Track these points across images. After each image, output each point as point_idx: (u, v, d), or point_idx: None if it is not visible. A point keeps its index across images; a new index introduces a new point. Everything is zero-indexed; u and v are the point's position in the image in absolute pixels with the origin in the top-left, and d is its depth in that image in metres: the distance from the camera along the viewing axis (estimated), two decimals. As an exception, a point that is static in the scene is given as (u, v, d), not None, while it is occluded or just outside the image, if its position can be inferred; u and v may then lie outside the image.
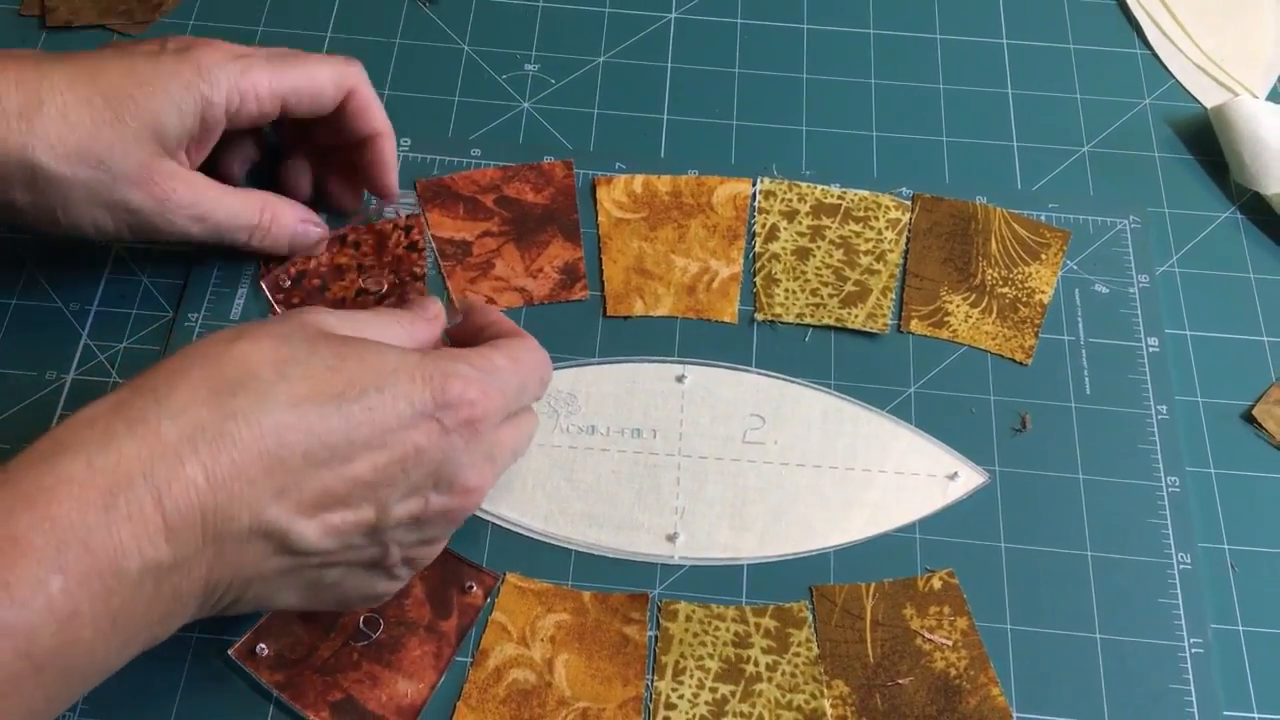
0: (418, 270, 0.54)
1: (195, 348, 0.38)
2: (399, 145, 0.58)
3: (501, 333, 0.45)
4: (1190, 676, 0.46)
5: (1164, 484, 0.50)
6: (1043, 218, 0.57)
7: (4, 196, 0.45)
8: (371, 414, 0.37)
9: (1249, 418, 0.51)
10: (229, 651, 0.45)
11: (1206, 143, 0.59)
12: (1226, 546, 0.49)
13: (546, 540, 0.48)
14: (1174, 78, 0.62)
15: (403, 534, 0.40)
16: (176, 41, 0.48)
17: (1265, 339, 0.54)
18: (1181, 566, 0.48)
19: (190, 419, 0.35)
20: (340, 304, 0.53)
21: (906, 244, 0.56)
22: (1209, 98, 0.61)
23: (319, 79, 0.49)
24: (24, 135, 0.43)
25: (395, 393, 0.38)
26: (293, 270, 0.53)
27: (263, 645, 0.45)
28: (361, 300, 0.53)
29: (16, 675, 0.32)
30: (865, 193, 0.57)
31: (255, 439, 0.36)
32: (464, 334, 0.46)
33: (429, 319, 0.45)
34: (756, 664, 0.46)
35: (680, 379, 0.52)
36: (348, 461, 0.37)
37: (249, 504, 0.36)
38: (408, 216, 0.55)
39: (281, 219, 0.51)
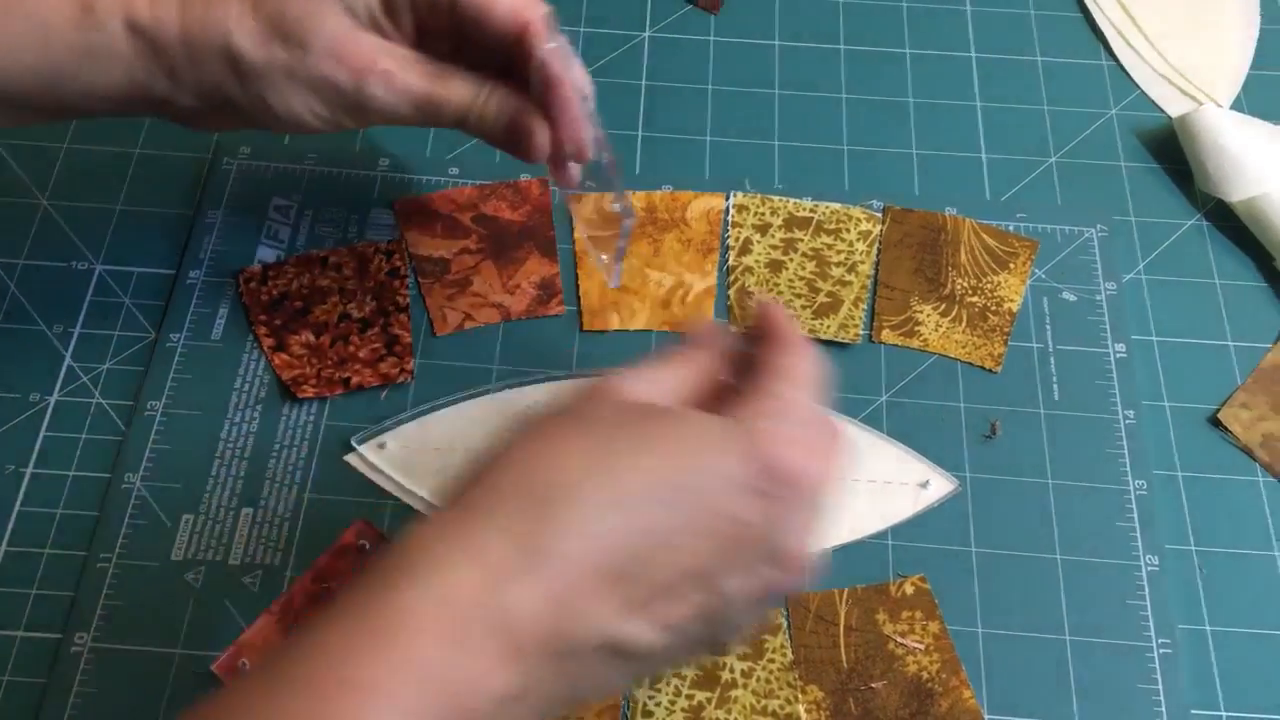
0: (400, 300, 0.54)
1: (507, 455, 0.35)
2: (377, 165, 0.59)
3: (776, 338, 0.40)
4: (1158, 676, 0.46)
5: (1131, 488, 0.50)
6: (1011, 228, 0.58)
7: (222, 89, 0.44)
8: (691, 498, 0.34)
9: (1215, 421, 0.52)
10: (211, 667, 0.45)
11: (1171, 152, 0.60)
12: (1194, 548, 0.49)
13: (525, 552, 0.49)
14: (1139, 88, 0.63)
15: (734, 612, 0.37)
16: None
17: (1230, 343, 0.55)
18: (1149, 569, 0.49)
19: (516, 536, 0.32)
20: (323, 327, 0.53)
21: (877, 255, 0.57)
22: (1174, 108, 0.62)
23: None
24: (220, 23, 0.43)
25: (714, 472, 0.35)
26: (275, 291, 0.54)
27: (245, 660, 0.45)
28: (345, 326, 0.53)
29: None
30: (837, 205, 0.58)
31: (581, 552, 0.33)
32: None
33: (709, 345, 0.41)
34: (732, 670, 0.46)
35: (656, 391, 0.53)
36: (674, 551, 0.34)
37: (587, 618, 0.33)
38: (389, 241, 0.56)
39: (498, 100, 0.46)
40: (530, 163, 0.48)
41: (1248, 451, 0.51)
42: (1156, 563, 0.49)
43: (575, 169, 0.49)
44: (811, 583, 0.39)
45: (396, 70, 0.45)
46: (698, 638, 0.37)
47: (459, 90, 0.46)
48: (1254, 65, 0.64)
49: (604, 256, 0.52)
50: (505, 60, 0.46)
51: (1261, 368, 0.53)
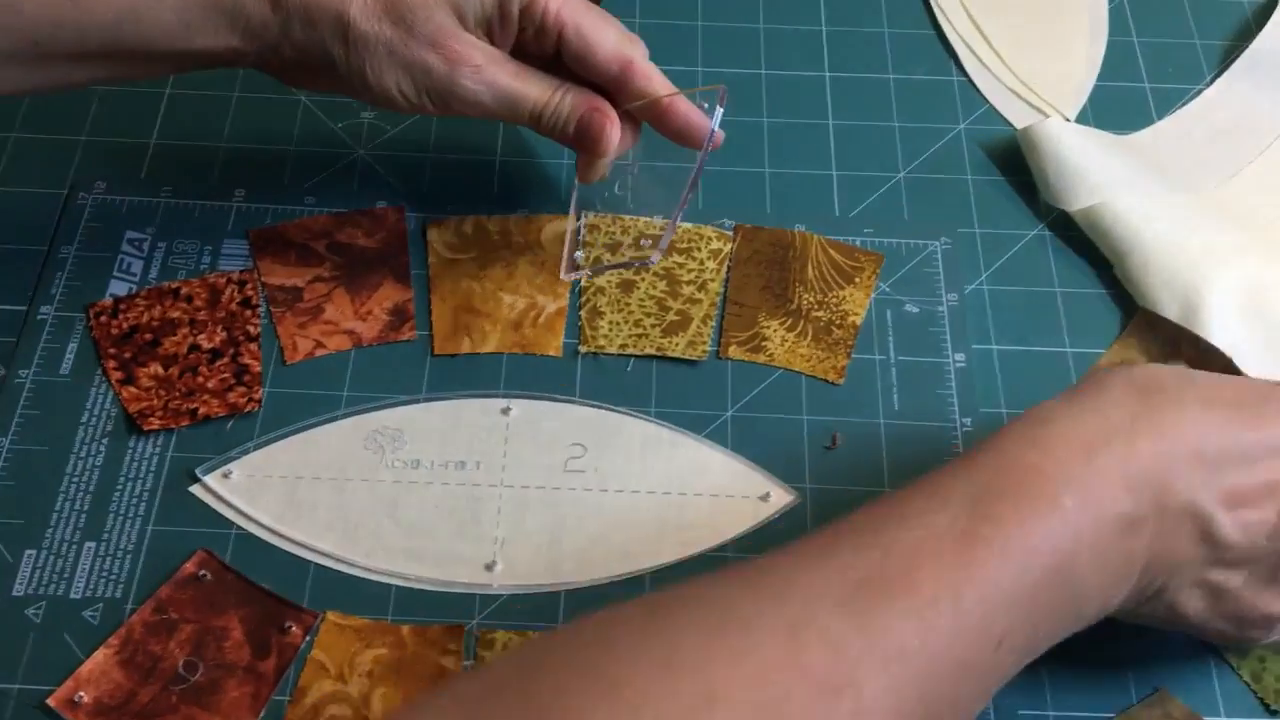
0: (251, 329, 0.55)
1: (1094, 375, 0.42)
2: (233, 195, 0.59)
3: None
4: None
5: (967, 494, 0.52)
6: (858, 243, 0.59)
7: (327, 51, 0.49)
8: (1266, 421, 0.41)
9: None
10: (48, 700, 0.45)
11: (1017, 164, 0.62)
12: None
13: (368, 577, 0.49)
14: (988, 102, 0.65)
15: None
16: None
17: (1069, 350, 0.56)
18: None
19: (1129, 409, 0.40)
20: (172, 359, 0.54)
21: (727, 273, 0.58)
22: (1022, 120, 0.64)
23: (605, 35, 0.52)
24: None
25: None
26: (125, 325, 0.55)
27: (82, 693, 0.46)
28: (194, 357, 0.54)
29: (1049, 586, 0.37)
30: (688, 225, 0.59)
31: (1179, 430, 0.39)
32: None
33: None
34: (570, 687, 0.47)
35: (505, 411, 0.53)
36: (1254, 462, 0.40)
37: (1182, 482, 0.39)
38: (242, 271, 0.57)
39: (572, 98, 0.52)
40: (598, 157, 0.53)
41: None
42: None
43: (605, 165, 0.54)
44: None
45: (485, 64, 0.50)
46: (1265, 562, 0.41)
47: (537, 89, 0.51)
48: (1101, 77, 0.66)
49: (579, 254, 0.56)
50: (601, 89, 0.53)
51: (1095, 368, 0.55)
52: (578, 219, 0.57)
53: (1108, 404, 0.40)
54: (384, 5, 0.49)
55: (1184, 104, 0.65)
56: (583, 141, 0.52)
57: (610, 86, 0.53)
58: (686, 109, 0.53)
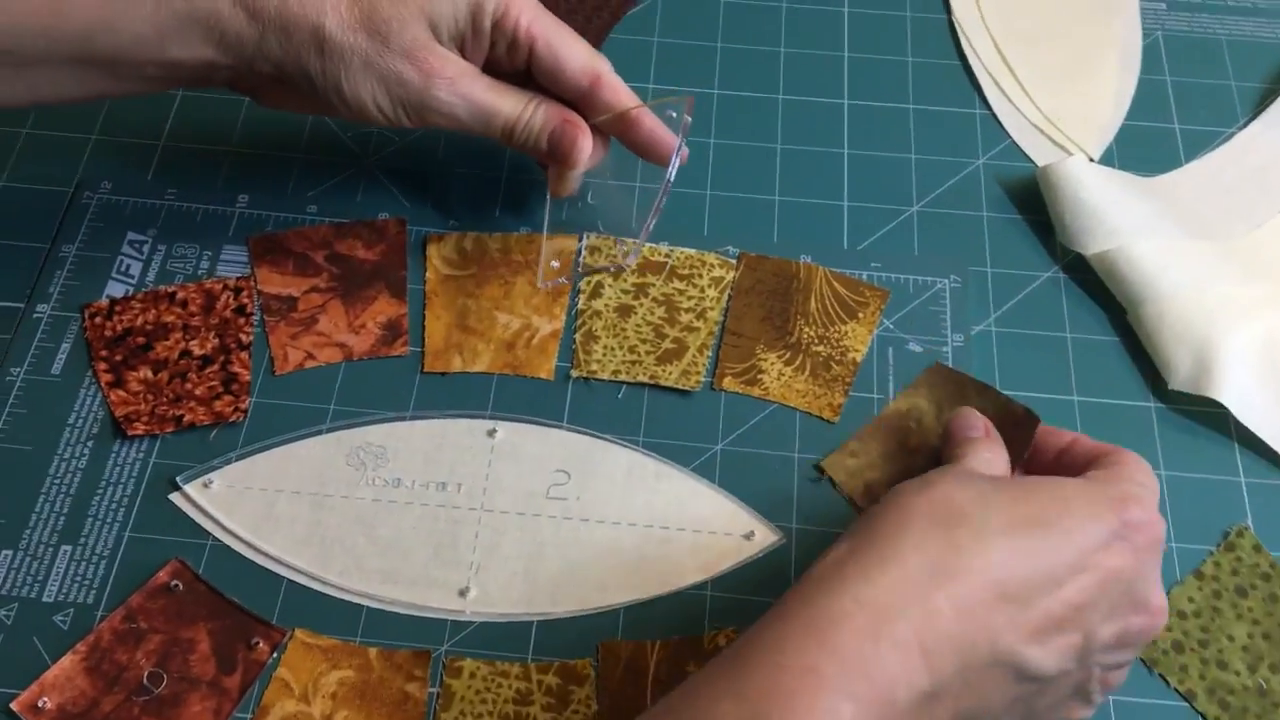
0: (244, 338, 0.54)
1: (895, 499, 0.40)
2: (236, 201, 0.59)
3: (1093, 450, 0.45)
4: None
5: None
6: (865, 276, 0.57)
7: (303, 64, 0.49)
8: (1070, 538, 0.39)
9: (819, 469, 0.52)
10: (11, 705, 0.45)
11: (1035, 203, 0.60)
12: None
13: (340, 596, 0.49)
14: (1010, 137, 0.63)
15: (1104, 655, 0.40)
16: None
17: (1075, 398, 0.54)
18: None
19: (928, 554, 0.37)
20: (162, 364, 0.53)
21: (727, 302, 0.57)
22: (1043, 157, 0.62)
23: (575, 50, 0.52)
24: (319, 5, 0.49)
25: (1083, 516, 0.39)
26: (119, 327, 0.54)
27: (46, 699, 0.45)
28: (184, 363, 0.54)
29: None
30: (692, 251, 0.58)
31: (983, 569, 0.37)
32: (1037, 451, 0.47)
33: (990, 436, 0.46)
34: (535, 721, 0.46)
35: (491, 433, 0.53)
36: (1059, 585, 0.38)
37: (988, 632, 0.37)
38: (238, 278, 0.56)
39: (544, 111, 0.52)
40: (570, 169, 0.53)
41: (850, 500, 0.51)
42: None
43: (575, 179, 0.55)
44: None
45: (459, 77, 0.50)
46: (1073, 679, 0.40)
47: (510, 103, 0.52)
48: (1129, 115, 0.64)
49: (555, 263, 0.57)
50: (571, 102, 0.53)
51: (883, 415, 0.53)
52: (549, 234, 0.58)
53: (908, 549, 0.37)
54: (360, 17, 0.49)
55: (1214, 147, 0.63)
56: (555, 154, 0.53)
57: (579, 100, 0.53)
58: (652, 124, 0.54)
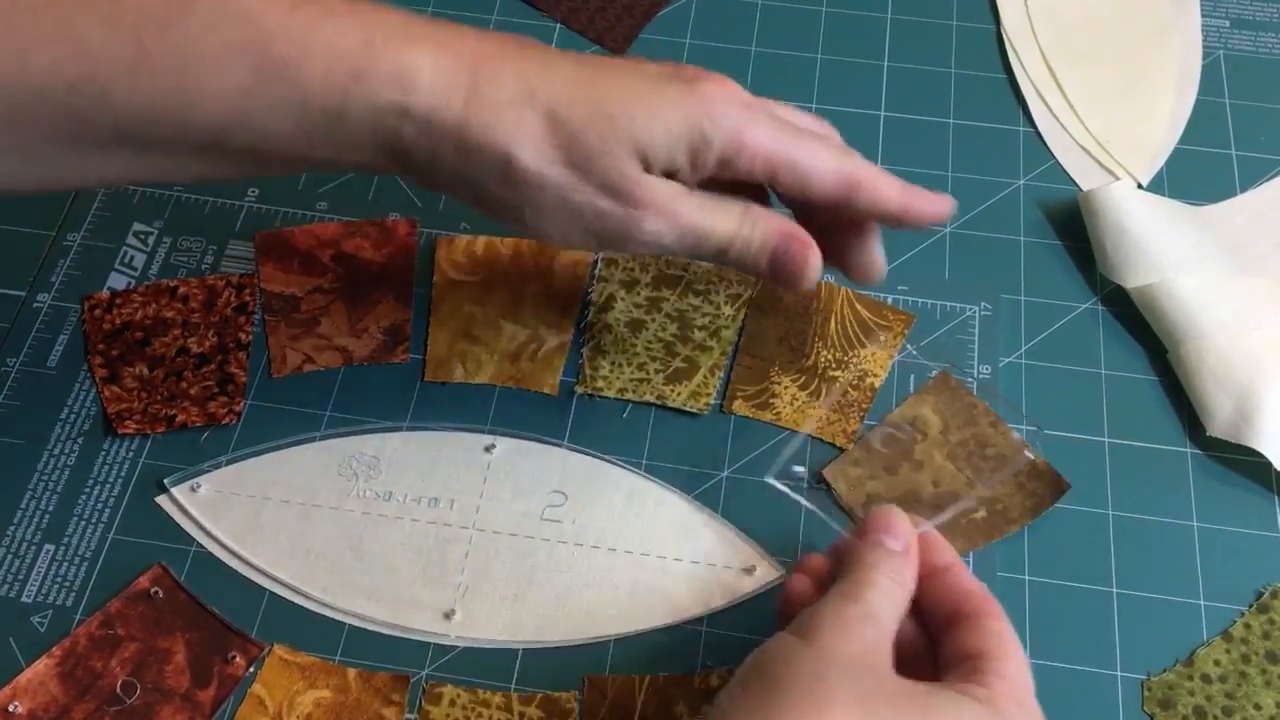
0: (243, 337, 0.53)
1: (781, 657, 0.37)
2: (245, 195, 0.58)
3: (961, 596, 0.41)
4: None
5: (970, 590, 0.47)
6: (890, 299, 0.55)
7: (480, 189, 0.43)
8: None
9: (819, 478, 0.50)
10: (-18, 708, 0.44)
11: (1076, 229, 0.57)
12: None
13: (323, 612, 0.47)
14: (1055, 158, 0.60)
15: None
16: (687, 70, 0.44)
17: (1106, 440, 0.51)
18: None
19: None
20: (160, 361, 0.52)
21: (743, 321, 0.54)
22: (1088, 181, 0.59)
23: (820, 161, 0.44)
24: (509, 132, 0.41)
25: None
26: (117, 320, 0.53)
27: (17, 703, 0.44)
28: (181, 360, 0.52)
29: None
30: (709, 265, 0.56)
31: None
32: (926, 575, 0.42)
33: (908, 555, 0.41)
34: (514, 755, 0.44)
35: (489, 449, 0.51)
36: None
37: None
38: (241, 275, 0.55)
39: (764, 227, 0.45)
40: (797, 291, 0.46)
41: (849, 513, 0.49)
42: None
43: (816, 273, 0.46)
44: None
45: (667, 203, 0.43)
46: None
47: (725, 222, 0.44)
48: (1183, 139, 0.61)
49: None
50: (824, 216, 0.47)
51: (887, 423, 0.51)
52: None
53: None
54: (561, 146, 0.41)
55: (1272, 176, 0.59)
56: (779, 276, 0.45)
57: (831, 209, 0.46)
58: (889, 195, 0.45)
